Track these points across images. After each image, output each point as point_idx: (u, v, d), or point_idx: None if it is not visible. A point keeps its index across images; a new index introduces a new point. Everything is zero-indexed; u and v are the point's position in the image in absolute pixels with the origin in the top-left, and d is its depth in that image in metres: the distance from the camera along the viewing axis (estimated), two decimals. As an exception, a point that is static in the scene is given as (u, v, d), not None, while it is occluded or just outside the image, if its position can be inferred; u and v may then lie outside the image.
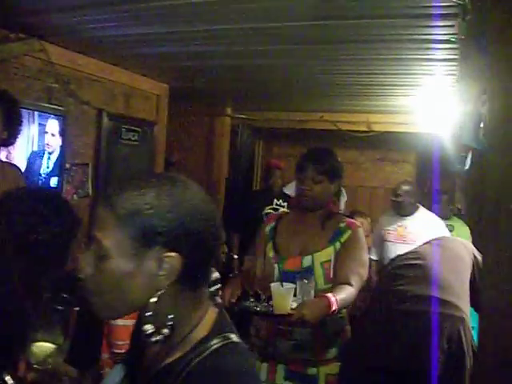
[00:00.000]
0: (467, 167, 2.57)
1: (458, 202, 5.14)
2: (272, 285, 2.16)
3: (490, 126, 0.81)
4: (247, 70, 4.13)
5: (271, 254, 2.41)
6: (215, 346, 0.98)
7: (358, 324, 2.45)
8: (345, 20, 2.74)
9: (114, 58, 4.08)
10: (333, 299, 2.06)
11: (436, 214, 4.22)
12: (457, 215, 4.70)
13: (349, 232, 2.36)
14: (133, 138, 4.63)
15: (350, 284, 2.22)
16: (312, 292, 2.18)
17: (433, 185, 4.53)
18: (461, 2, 2.06)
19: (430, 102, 4.42)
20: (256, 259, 2.34)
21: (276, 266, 2.33)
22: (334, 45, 3.24)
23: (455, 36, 2.66)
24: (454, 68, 3.31)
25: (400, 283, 2.38)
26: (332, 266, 2.31)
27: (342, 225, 2.39)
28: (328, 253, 2.33)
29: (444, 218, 4.28)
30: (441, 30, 2.69)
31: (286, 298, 2.11)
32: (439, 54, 3.13)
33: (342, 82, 4.27)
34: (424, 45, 3.00)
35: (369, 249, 3.38)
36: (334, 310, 2.06)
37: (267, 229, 2.52)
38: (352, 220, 2.48)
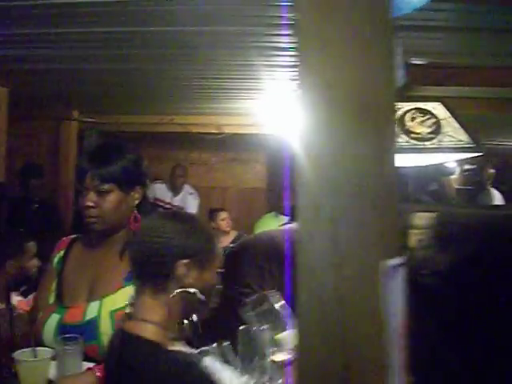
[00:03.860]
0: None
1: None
2: (16, 353, 1.46)
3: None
4: (93, 74, 4.02)
5: (52, 299, 1.65)
6: None
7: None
8: (196, 27, 2.80)
9: None
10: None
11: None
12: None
13: None
14: (-33, 146, 4.27)
15: None
16: (79, 362, 1.46)
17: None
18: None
19: (275, 105, 4.64)
20: (37, 306, 1.70)
21: (55, 316, 1.59)
22: (182, 49, 3.29)
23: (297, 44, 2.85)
24: (296, 74, 3.52)
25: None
26: None
27: None
28: (123, 296, 1.52)
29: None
30: (284, 39, 2.86)
31: (36, 372, 1.43)
32: (282, 61, 3.32)
33: (190, 85, 4.33)
34: (268, 52, 3.16)
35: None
36: None
37: (55, 260, 1.74)
38: None
